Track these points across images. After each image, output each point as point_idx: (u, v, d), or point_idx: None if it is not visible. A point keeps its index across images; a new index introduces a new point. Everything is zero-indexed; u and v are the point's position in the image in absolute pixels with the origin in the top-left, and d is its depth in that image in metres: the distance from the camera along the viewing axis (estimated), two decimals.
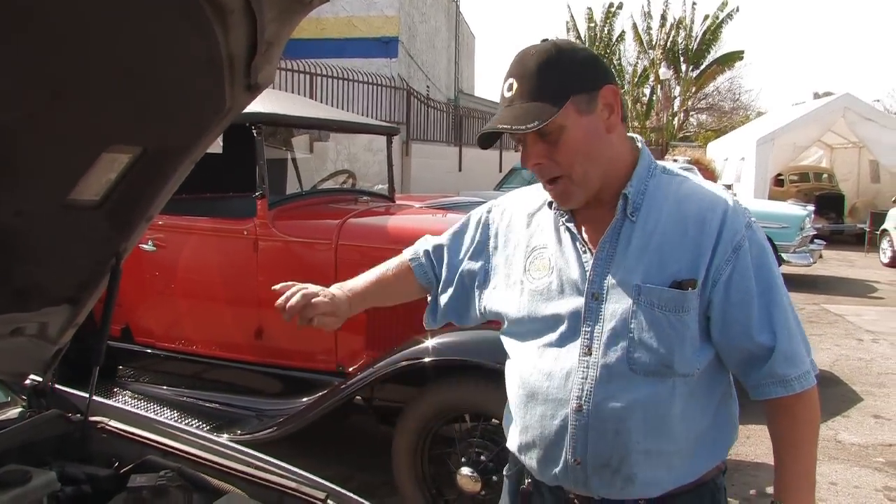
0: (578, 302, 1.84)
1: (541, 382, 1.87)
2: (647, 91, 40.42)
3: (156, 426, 2.30)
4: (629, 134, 1.93)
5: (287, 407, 4.61)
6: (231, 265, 4.91)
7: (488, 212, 2.16)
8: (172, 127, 1.85)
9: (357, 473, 4.77)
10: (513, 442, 2.01)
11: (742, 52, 38.94)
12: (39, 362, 2.30)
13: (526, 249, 1.99)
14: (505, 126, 1.78)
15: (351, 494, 2.07)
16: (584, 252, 1.87)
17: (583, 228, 1.91)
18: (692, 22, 38.95)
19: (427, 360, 4.00)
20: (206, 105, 1.78)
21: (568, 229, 1.92)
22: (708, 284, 1.78)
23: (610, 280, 1.81)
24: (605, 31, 39.85)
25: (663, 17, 39.32)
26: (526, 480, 1.99)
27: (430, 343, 4.03)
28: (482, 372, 3.82)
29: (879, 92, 58.23)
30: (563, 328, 1.86)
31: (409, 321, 4.41)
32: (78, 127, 1.67)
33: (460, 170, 19.95)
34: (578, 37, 39.22)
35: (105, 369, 5.08)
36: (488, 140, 1.92)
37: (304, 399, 4.58)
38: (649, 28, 39.92)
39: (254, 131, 4.63)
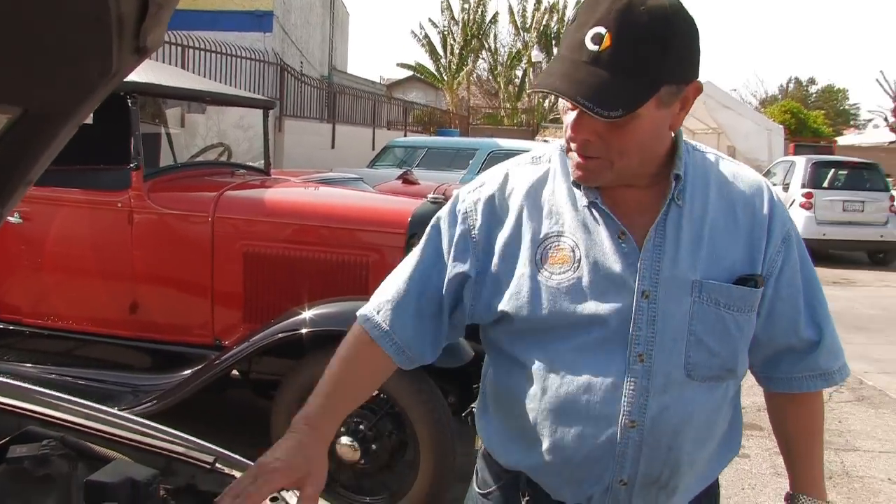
0: (624, 301, 1.54)
1: (577, 395, 1.56)
2: (519, 73, 41.01)
3: (34, 396, 2.26)
4: None
5: (163, 381, 4.55)
6: (104, 238, 4.79)
7: (458, 203, 1.71)
8: (56, 88, 1.80)
9: (235, 447, 4.69)
10: (526, 461, 1.68)
11: None
12: None
13: (533, 238, 1.61)
14: (584, 101, 1.39)
15: (239, 457, 2.09)
16: (625, 241, 1.55)
17: (614, 211, 1.57)
18: (565, 6, 39.72)
19: (304, 331, 4.03)
20: (92, 66, 1.75)
21: (602, 213, 1.57)
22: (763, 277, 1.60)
23: (663, 275, 1.54)
24: (480, 13, 40.21)
25: (538, 1, 39.96)
26: (523, 499, 1.70)
27: (307, 314, 4.06)
28: None
29: (736, 82, 61.20)
30: (603, 332, 1.55)
31: (287, 293, 4.43)
32: None
33: (333, 147, 19.86)
34: (452, 17, 39.44)
35: None
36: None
37: (181, 373, 4.53)
38: (524, 11, 40.56)
39: (128, 101, 4.53)
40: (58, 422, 2.13)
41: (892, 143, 36.46)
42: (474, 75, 41.73)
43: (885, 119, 42.76)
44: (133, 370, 4.82)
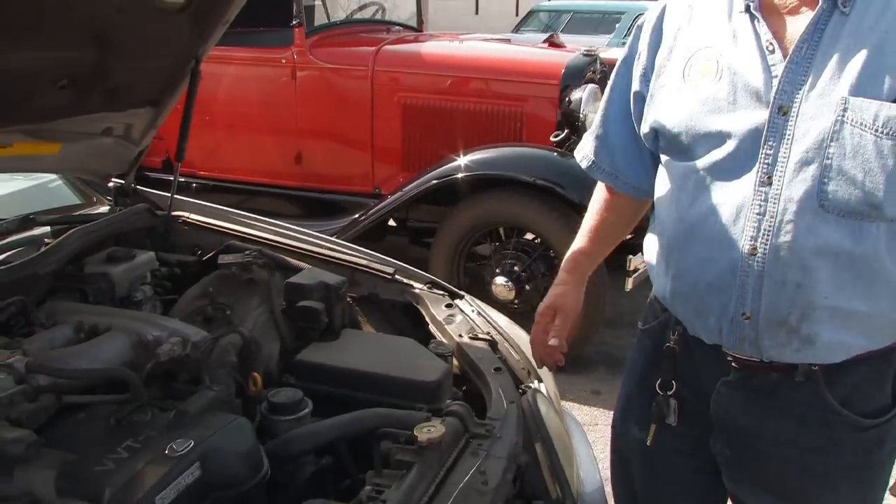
0: (759, 116, 1.43)
1: (703, 218, 1.51)
2: None
3: (233, 217, 2.54)
4: None
5: (325, 228, 4.84)
6: (270, 93, 5.07)
7: (642, 22, 1.71)
8: None
9: None
10: (661, 287, 1.68)
11: None
12: (124, 163, 2.53)
13: (686, 49, 1.58)
14: None
15: (417, 270, 2.32)
16: (771, 51, 1.44)
17: (769, 20, 1.47)
18: None
19: (459, 176, 4.23)
20: None
21: (751, 16, 1.48)
22: None
23: (805, 90, 1.39)
24: None
25: None
26: (672, 337, 1.67)
27: (461, 160, 4.26)
28: (514, 186, 4.08)
29: None
30: (734, 149, 1.47)
31: (443, 143, 4.62)
32: None
33: (477, 13, 19.74)
34: None
35: None
36: None
37: (343, 220, 4.82)
38: None
39: None
40: (254, 238, 2.41)
41: None
42: None
43: None
44: (297, 218, 5.12)
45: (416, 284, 2.26)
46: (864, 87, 1.34)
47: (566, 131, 4.45)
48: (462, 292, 2.27)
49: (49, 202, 2.73)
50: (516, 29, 14.79)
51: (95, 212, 2.59)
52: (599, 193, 1.88)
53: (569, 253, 1.88)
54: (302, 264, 2.29)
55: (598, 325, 4.26)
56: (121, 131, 2.39)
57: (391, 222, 5.05)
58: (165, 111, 2.44)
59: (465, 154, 4.26)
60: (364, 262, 2.31)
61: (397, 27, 5.81)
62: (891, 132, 1.33)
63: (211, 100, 5.17)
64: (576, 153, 1.90)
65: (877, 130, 1.33)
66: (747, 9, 1.47)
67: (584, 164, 1.86)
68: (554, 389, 2.08)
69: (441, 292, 2.24)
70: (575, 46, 5.17)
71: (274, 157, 5.17)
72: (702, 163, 1.51)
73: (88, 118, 2.20)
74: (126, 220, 2.41)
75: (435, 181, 4.34)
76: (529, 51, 5.24)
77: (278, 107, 5.06)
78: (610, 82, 1.80)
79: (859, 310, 1.43)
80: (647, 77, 1.66)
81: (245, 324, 1.98)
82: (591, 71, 4.72)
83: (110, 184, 2.60)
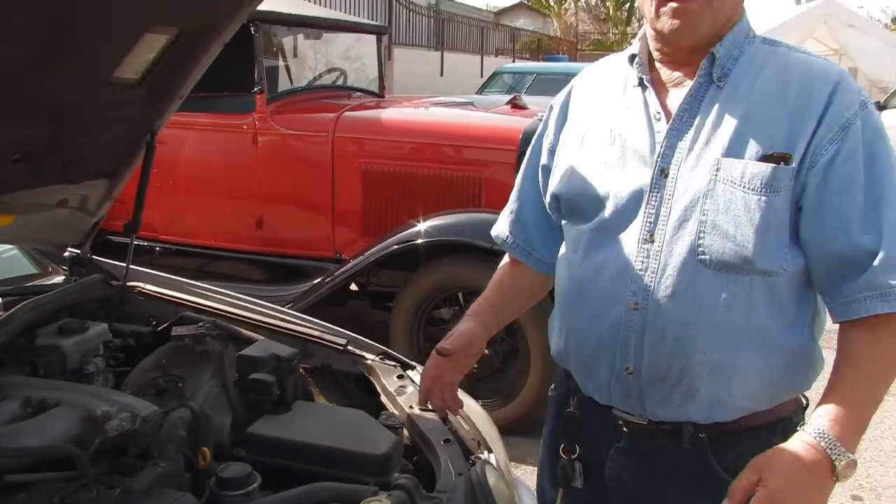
0: (644, 177, 1.56)
1: (590, 275, 1.61)
2: None
3: (188, 288, 2.55)
4: None
5: (287, 293, 4.86)
6: (231, 159, 5.13)
7: (554, 102, 1.86)
8: (206, 8, 2.05)
9: None
10: (556, 346, 1.76)
11: None
12: (80, 233, 2.54)
13: (584, 122, 1.72)
14: None
15: (369, 341, 2.34)
16: (658, 119, 1.58)
17: (658, 92, 1.61)
18: None
19: (418, 241, 4.29)
20: None
21: (643, 88, 1.62)
22: (805, 164, 1.46)
23: (683, 153, 1.53)
24: None
25: None
26: (571, 403, 1.75)
27: (421, 227, 4.33)
28: (473, 251, 4.13)
29: None
30: (620, 209, 1.58)
31: (403, 208, 4.68)
32: (124, 6, 1.86)
33: (442, 74, 19.97)
34: None
35: None
36: None
37: (304, 285, 4.84)
38: None
39: (251, 28, 4.79)
40: (208, 309, 2.42)
41: None
42: (583, 0, 40.86)
43: None
44: (259, 283, 5.16)
45: (368, 355, 2.28)
46: (735, 149, 1.49)
47: None
48: (413, 363, 2.28)
49: (3, 272, 2.72)
50: (481, 90, 14.95)
51: (50, 282, 2.60)
52: (503, 263, 1.97)
53: (476, 304, 1.94)
54: (255, 335, 2.30)
55: None
56: (76, 203, 2.40)
57: (353, 287, 5.06)
58: (121, 183, 2.46)
59: (424, 219, 4.33)
60: (316, 333, 2.32)
61: (358, 93, 5.90)
62: (755, 188, 1.46)
63: (173, 164, 5.21)
64: (493, 230, 1.96)
65: (744, 186, 1.46)
66: (640, 82, 1.63)
67: (498, 241, 1.93)
68: (504, 459, 2.08)
69: (393, 363, 2.26)
70: (538, 108, 5.27)
71: (235, 222, 5.20)
72: (593, 223, 1.63)
73: (43, 190, 2.22)
74: (80, 291, 2.41)
75: (395, 246, 4.39)
76: (488, 116, 5.34)
77: (240, 172, 5.11)
78: (525, 159, 1.91)
79: (738, 365, 1.51)
80: (552, 151, 1.79)
81: (197, 396, 1.98)
82: None
83: (66, 253, 2.60)
